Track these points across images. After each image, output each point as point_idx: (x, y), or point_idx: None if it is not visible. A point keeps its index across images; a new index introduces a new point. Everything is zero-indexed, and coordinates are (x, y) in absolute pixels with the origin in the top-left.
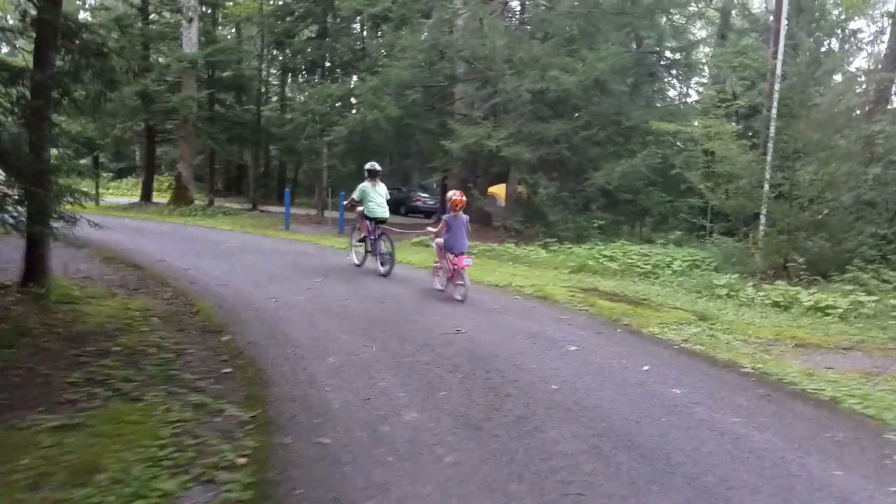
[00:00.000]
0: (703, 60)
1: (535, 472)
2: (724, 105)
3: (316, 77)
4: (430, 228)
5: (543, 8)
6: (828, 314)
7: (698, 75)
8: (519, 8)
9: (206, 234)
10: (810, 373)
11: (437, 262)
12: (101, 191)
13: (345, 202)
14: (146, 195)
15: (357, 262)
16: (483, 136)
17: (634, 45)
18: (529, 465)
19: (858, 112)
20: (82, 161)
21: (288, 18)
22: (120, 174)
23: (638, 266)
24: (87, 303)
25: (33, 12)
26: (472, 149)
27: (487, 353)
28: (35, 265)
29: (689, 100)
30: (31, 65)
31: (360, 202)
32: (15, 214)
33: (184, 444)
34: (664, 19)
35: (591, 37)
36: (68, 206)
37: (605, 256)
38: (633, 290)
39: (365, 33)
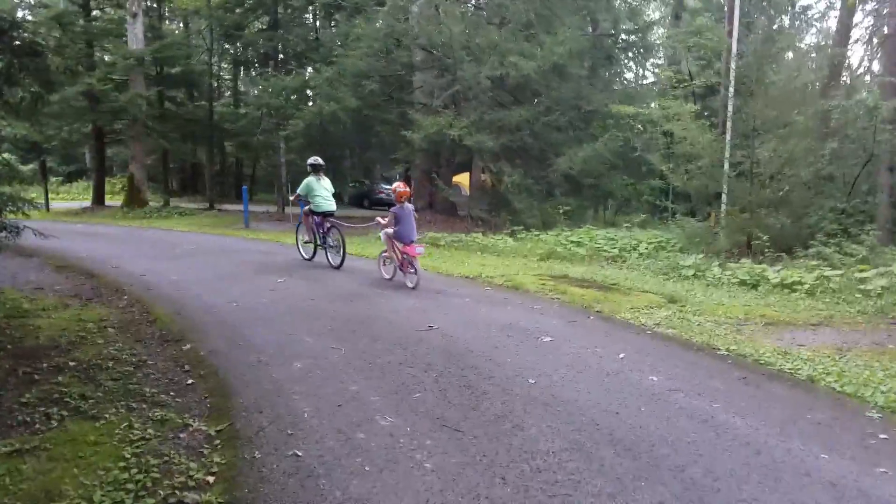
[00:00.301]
0: (659, 41)
1: (519, 474)
2: (681, 86)
3: (269, 69)
4: (379, 220)
5: None
6: (795, 290)
7: (654, 57)
8: None
9: (162, 237)
10: (784, 352)
11: (384, 253)
12: (50, 196)
13: (291, 198)
14: (98, 198)
15: (307, 256)
16: (444, 126)
17: (590, 29)
18: (512, 467)
19: (813, 88)
20: (29, 166)
21: (238, 10)
22: (69, 178)
23: (605, 250)
24: (39, 316)
25: None
26: (434, 138)
27: (461, 349)
28: None
29: (646, 82)
30: None
31: (306, 197)
32: None
33: (148, 463)
34: (619, 1)
35: (548, 21)
36: (11, 215)
37: (572, 242)
38: (603, 275)
39: (318, 23)
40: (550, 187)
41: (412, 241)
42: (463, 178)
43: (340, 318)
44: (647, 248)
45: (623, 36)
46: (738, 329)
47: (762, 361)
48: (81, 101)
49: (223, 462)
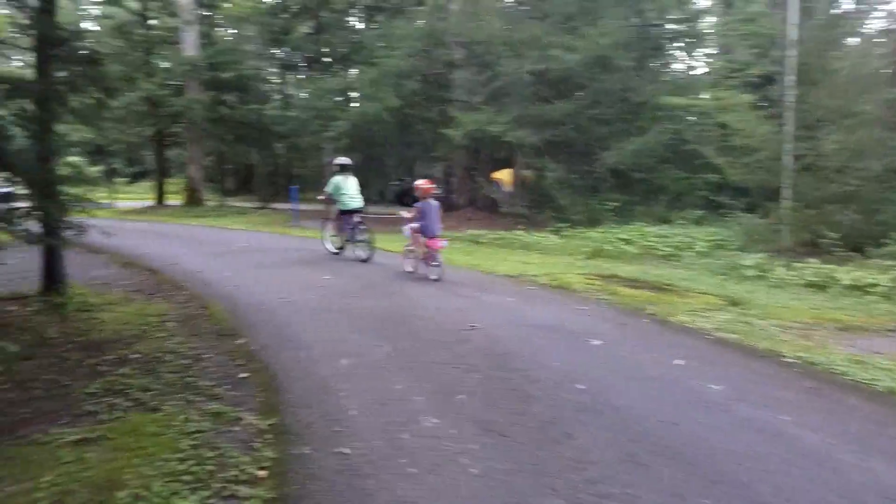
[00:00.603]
0: (710, 30)
1: (570, 484)
2: (735, 75)
3: (315, 73)
4: (403, 214)
5: None
6: (868, 293)
7: (705, 46)
8: None
9: (217, 235)
10: (859, 360)
11: (408, 246)
12: (117, 195)
13: (319, 197)
14: (159, 198)
15: (333, 250)
16: (484, 122)
17: (637, 19)
18: (562, 476)
19: (881, 75)
20: (97, 168)
21: (284, 15)
22: (134, 178)
23: (657, 249)
24: (105, 310)
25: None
26: (475, 135)
27: (505, 350)
28: (53, 274)
29: (696, 72)
30: (23, 76)
31: (333, 195)
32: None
33: (203, 456)
34: None
35: (591, 13)
36: (80, 214)
37: (621, 240)
38: (655, 274)
39: (361, 25)
40: (597, 182)
41: (435, 235)
42: (504, 175)
43: (384, 315)
44: (704, 247)
45: (671, 25)
46: (806, 335)
47: (835, 370)
48: (142, 106)
49: (274, 457)
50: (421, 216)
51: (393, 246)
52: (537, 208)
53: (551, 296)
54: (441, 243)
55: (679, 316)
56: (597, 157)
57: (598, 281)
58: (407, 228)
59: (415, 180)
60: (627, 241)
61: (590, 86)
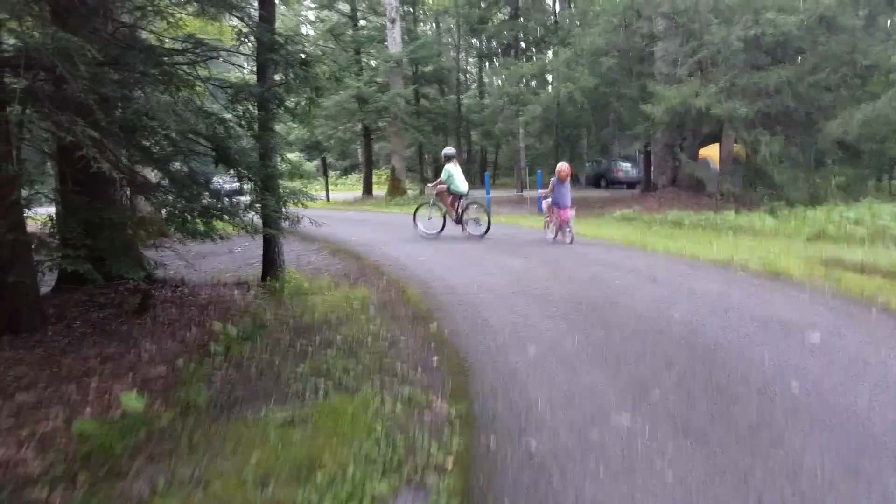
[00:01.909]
0: None
1: (779, 496)
2: None
3: (511, 58)
4: (541, 191)
5: None
6: None
7: None
8: None
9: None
10: None
11: (547, 218)
12: (330, 188)
13: (433, 186)
14: (367, 189)
15: (431, 232)
16: (689, 95)
17: None
18: (770, 487)
19: None
20: (313, 163)
21: (482, 5)
22: (345, 172)
23: (892, 229)
24: (315, 294)
25: (245, 30)
26: (677, 110)
27: (709, 343)
28: (271, 261)
29: None
30: (247, 81)
31: (447, 182)
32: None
33: (395, 440)
34: None
35: None
36: (296, 206)
37: (848, 220)
38: (890, 259)
39: (557, 6)
40: (819, 156)
41: (566, 207)
42: (711, 151)
43: (576, 302)
44: None
45: None
46: None
47: None
48: (352, 103)
49: (461, 445)
50: (555, 191)
51: (589, 230)
52: (749, 186)
53: (764, 283)
54: (570, 212)
55: None
56: (819, 127)
57: (819, 266)
58: (544, 203)
59: (610, 161)
60: (855, 222)
61: (811, 49)
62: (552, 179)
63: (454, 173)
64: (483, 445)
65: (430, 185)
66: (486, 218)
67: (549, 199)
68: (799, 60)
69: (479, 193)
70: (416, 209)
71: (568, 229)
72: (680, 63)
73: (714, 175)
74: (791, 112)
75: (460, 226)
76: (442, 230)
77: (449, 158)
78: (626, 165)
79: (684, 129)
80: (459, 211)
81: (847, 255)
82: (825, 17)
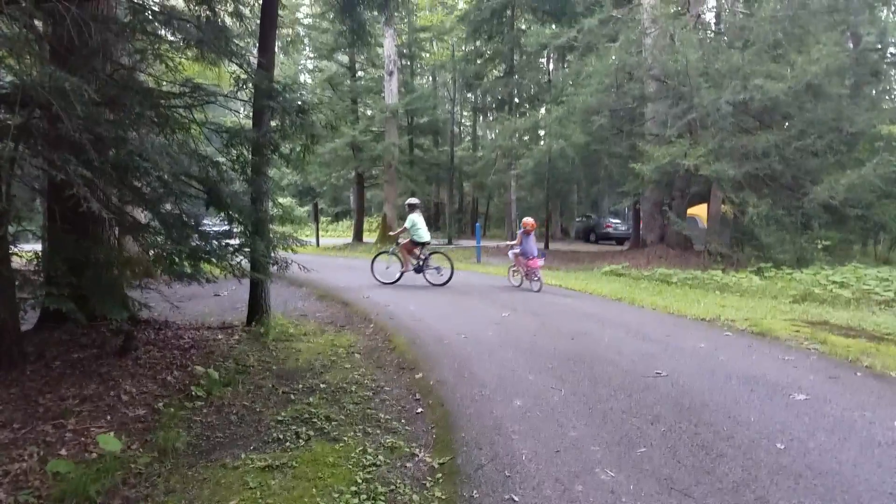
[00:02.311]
0: None
1: None
2: None
3: (504, 113)
4: (509, 243)
5: (742, 16)
6: None
7: None
8: (714, 19)
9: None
10: None
11: (513, 267)
12: (320, 233)
13: (394, 233)
14: (357, 236)
15: (387, 281)
16: (678, 155)
17: (850, 44)
18: None
19: None
20: (304, 208)
21: (478, 61)
22: (336, 217)
23: (876, 293)
24: (300, 340)
25: (243, 77)
26: (666, 169)
27: (695, 401)
28: (257, 306)
29: None
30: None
31: (410, 230)
32: (238, 262)
33: (376, 491)
34: (885, 12)
35: (799, 39)
36: (285, 250)
37: (833, 283)
38: (874, 322)
39: (551, 66)
40: (806, 219)
41: (534, 257)
42: (699, 210)
43: (562, 356)
44: None
45: (893, 49)
46: None
47: None
48: (347, 151)
49: (444, 498)
50: (522, 244)
51: (577, 284)
52: (737, 246)
53: (750, 343)
54: (539, 262)
55: None
56: (805, 191)
57: (805, 328)
58: (511, 254)
59: (600, 217)
60: (841, 284)
61: (797, 115)
62: (519, 232)
63: (417, 222)
64: (466, 498)
65: (391, 232)
66: (449, 266)
67: (517, 250)
68: (786, 125)
69: (469, 243)
70: (375, 257)
71: (536, 277)
72: (670, 124)
73: (702, 234)
74: (778, 175)
75: (420, 274)
76: (398, 280)
77: (413, 208)
78: (616, 221)
79: (673, 188)
80: (421, 259)
81: (832, 317)
82: (812, 85)
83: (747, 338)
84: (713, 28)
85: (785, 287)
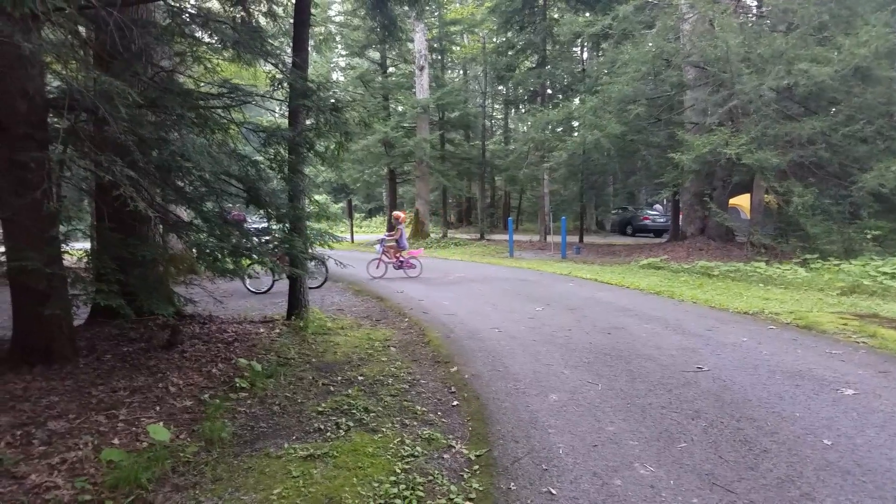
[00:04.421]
0: None
1: None
2: None
3: (537, 105)
4: (385, 236)
5: None
6: None
7: None
8: (755, 2)
9: (438, 265)
10: None
11: (380, 258)
12: (354, 229)
13: (383, 241)
14: (390, 231)
15: (381, 273)
16: (719, 144)
17: None
18: None
19: None
20: (339, 205)
21: (509, 53)
22: (370, 213)
23: None
24: (338, 333)
25: (279, 76)
26: (707, 158)
27: (737, 396)
28: (296, 300)
29: None
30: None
31: (399, 239)
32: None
33: (414, 481)
34: None
35: (846, 21)
36: (322, 246)
37: (884, 274)
38: None
39: (585, 55)
40: (854, 208)
41: (407, 248)
42: (742, 201)
43: (599, 351)
44: None
45: None
46: None
47: None
48: (379, 148)
49: (481, 489)
50: (402, 236)
51: (613, 278)
52: (781, 237)
53: (795, 336)
54: (418, 252)
55: None
56: (854, 179)
57: (853, 321)
58: (381, 246)
59: (637, 208)
60: (892, 276)
61: (845, 100)
62: (400, 226)
63: (403, 233)
64: (503, 490)
65: (386, 234)
66: (419, 264)
67: (392, 242)
68: (833, 111)
69: (501, 237)
70: (370, 263)
71: (412, 266)
72: (710, 112)
73: (744, 225)
74: (825, 163)
75: (400, 270)
76: (384, 274)
77: (398, 221)
78: (654, 213)
79: (714, 178)
80: (401, 260)
81: (883, 309)
82: (860, 69)
83: (792, 331)
84: (754, 11)
85: (832, 279)
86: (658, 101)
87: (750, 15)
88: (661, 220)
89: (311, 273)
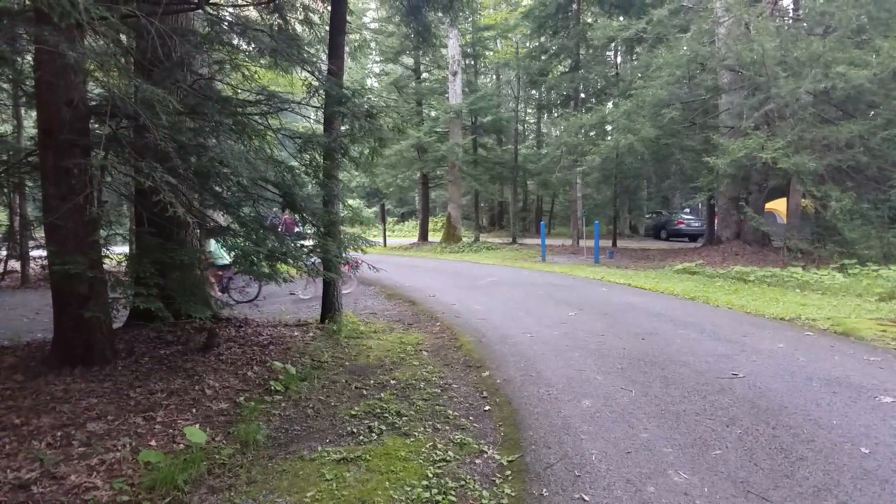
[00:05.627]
0: None
1: None
2: None
3: (570, 109)
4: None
5: (822, 0)
6: None
7: None
8: (792, 5)
9: (471, 269)
10: None
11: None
12: (387, 233)
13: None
14: (423, 235)
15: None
16: (755, 148)
17: None
18: None
19: None
20: (372, 209)
21: (543, 57)
22: (402, 218)
23: None
24: (371, 337)
25: (315, 83)
26: (742, 163)
27: (773, 403)
28: (329, 304)
29: None
30: (314, 131)
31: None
32: (312, 262)
33: (447, 486)
34: None
35: (885, 24)
36: (355, 250)
37: None
38: None
39: (619, 59)
40: (893, 212)
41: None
42: (778, 205)
43: (632, 356)
44: None
45: None
46: None
47: None
48: (412, 153)
49: (513, 495)
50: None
51: (647, 283)
52: (818, 242)
53: (833, 343)
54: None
55: None
56: (893, 183)
57: (893, 327)
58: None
59: (672, 213)
60: None
61: (884, 103)
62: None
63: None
64: (535, 496)
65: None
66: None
67: None
68: (872, 114)
69: (534, 241)
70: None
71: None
72: (745, 115)
73: (781, 229)
74: (863, 167)
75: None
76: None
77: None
78: (688, 217)
79: (750, 182)
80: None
81: None
82: None
83: (829, 338)
84: (791, 14)
85: (871, 284)
86: (693, 104)
87: (787, 18)
88: (696, 225)
89: (343, 278)
